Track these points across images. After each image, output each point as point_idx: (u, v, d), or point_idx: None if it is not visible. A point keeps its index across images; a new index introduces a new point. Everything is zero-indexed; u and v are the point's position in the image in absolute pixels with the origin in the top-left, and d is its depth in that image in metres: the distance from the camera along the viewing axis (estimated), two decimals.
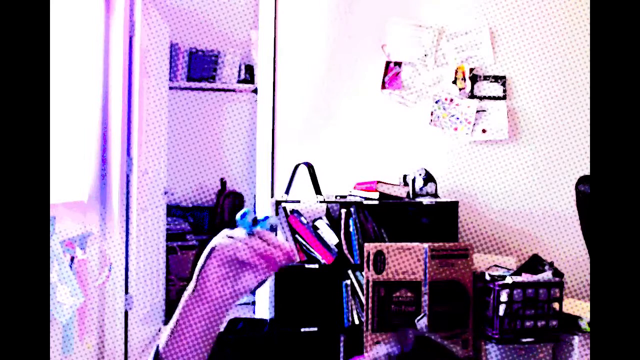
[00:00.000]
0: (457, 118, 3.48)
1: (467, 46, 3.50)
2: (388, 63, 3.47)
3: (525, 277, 2.92)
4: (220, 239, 0.80)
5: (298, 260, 0.73)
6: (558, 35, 3.55)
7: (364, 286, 2.91)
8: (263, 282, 0.83)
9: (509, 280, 2.87)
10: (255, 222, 0.81)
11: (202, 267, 0.80)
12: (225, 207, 4.72)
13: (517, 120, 3.55)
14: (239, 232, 0.80)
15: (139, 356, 3.40)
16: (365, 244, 2.93)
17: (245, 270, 0.81)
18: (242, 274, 0.81)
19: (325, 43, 3.47)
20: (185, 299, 0.81)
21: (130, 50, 3.23)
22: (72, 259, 2.43)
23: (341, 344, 3.05)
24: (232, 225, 0.84)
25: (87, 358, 2.85)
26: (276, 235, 0.79)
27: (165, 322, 3.89)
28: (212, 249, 0.79)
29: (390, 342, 1.14)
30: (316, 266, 3.06)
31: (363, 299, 2.99)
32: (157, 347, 0.81)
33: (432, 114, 3.48)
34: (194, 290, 0.81)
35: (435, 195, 3.22)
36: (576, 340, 2.88)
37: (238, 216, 0.81)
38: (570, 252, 3.51)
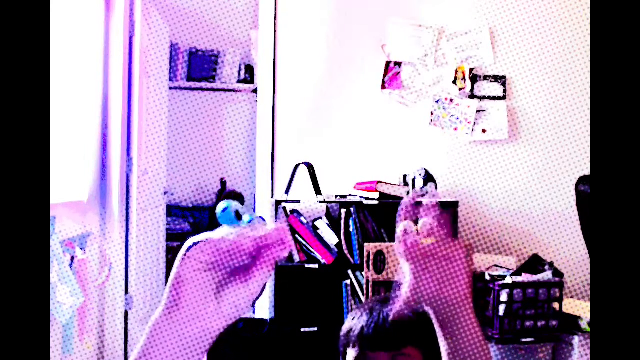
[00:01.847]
0: (457, 118, 3.48)
1: (467, 46, 3.50)
2: (388, 63, 3.47)
3: (525, 277, 2.92)
4: (198, 237, 0.62)
5: (290, 247, 0.60)
6: (558, 35, 3.55)
7: (364, 286, 2.91)
8: (256, 295, 0.63)
9: (509, 280, 2.87)
10: (240, 216, 0.64)
11: (175, 276, 0.61)
12: None
13: (517, 120, 3.55)
14: (221, 230, 0.63)
15: None
16: (365, 244, 2.92)
17: (234, 280, 0.62)
18: (229, 284, 0.61)
19: (325, 43, 3.47)
20: (153, 320, 0.62)
21: (130, 50, 3.23)
22: (72, 259, 2.43)
23: None
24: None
25: (87, 358, 2.85)
26: None
27: None
28: (187, 251, 0.61)
29: (364, 317, 1.15)
30: (316, 266, 3.06)
31: (363, 299, 2.99)
32: None
33: (432, 114, 3.48)
34: (164, 309, 0.61)
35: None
36: (576, 340, 2.88)
37: (218, 210, 0.64)
38: (570, 252, 3.51)
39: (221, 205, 0.65)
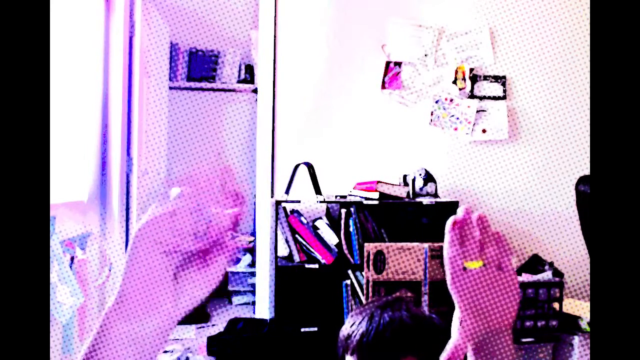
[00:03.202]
0: (457, 118, 3.48)
1: (467, 46, 3.50)
2: (388, 63, 3.47)
3: (525, 277, 2.92)
4: (146, 215, 0.54)
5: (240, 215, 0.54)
6: (558, 35, 3.55)
7: (364, 286, 2.91)
8: (216, 284, 0.56)
9: None
10: None
11: (128, 259, 0.54)
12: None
13: (517, 120, 3.55)
14: (172, 204, 0.56)
15: None
16: (365, 244, 2.92)
17: (191, 265, 0.56)
18: (186, 270, 0.55)
19: (325, 43, 3.47)
20: (101, 319, 0.55)
21: (130, 50, 3.23)
22: (72, 259, 2.43)
23: None
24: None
25: None
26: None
27: None
28: (138, 232, 0.54)
29: (363, 324, 1.15)
30: (316, 266, 3.06)
31: (363, 299, 2.99)
32: None
33: (432, 114, 3.48)
34: (116, 298, 0.54)
35: (435, 195, 3.21)
36: (576, 340, 2.88)
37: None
38: (570, 252, 3.51)
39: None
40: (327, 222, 3.19)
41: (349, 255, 3.10)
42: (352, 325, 1.17)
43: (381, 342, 1.12)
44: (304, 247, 3.10)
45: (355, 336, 1.14)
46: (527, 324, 2.85)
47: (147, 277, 0.53)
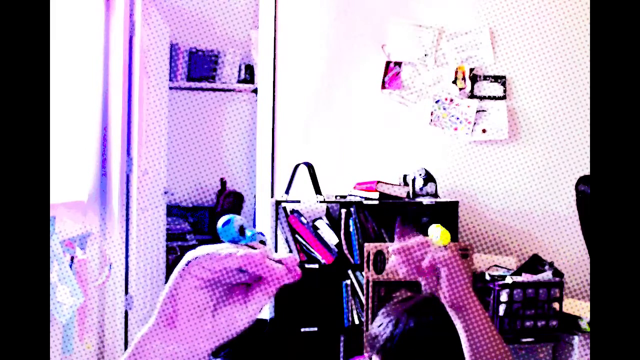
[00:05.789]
0: (457, 118, 3.48)
1: (467, 46, 3.50)
2: (388, 63, 3.47)
3: (525, 277, 2.92)
4: (198, 252, 0.58)
5: (298, 276, 0.64)
6: (558, 35, 3.55)
7: (364, 286, 2.91)
8: (254, 317, 0.60)
9: (509, 280, 2.87)
10: (243, 231, 0.60)
11: (171, 291, 0.57)
12: (225, 207, 4.73)
13: (517, 120, 3.55)
14: (223, 246, 0.59)
15: None
16: (365, 244, 2.92)
17: (232, 298, 0.59)
18: (226, 303, 0.58)
19: (325, 43, 3.47)
20: (142, 334, 0.58)
21: (130, 50, 3.23)
22: (72, 259, 2.43)
23: (341, 344, 3.06)
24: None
25: (87, 358, 2.85)
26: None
27: None
28: (186, 266, 0.57)
29: (389, 327, 1.18)
30: (316, 266, 3.06)
31: (363, 299, 2.99)
32: None
33: (432, 114, 3.48)
34: (156, 324, 0.58)
35: (435, 195, 3.21)
36: (576, 340, 2.88)
37: (219, 224, 0.60)
38: (570, 252, 3.51)
39: (223, 219, 0.60)
40: (327, 222, 3.19)
41: (349, 255, 3.10)
42: (380, 327, 1.21)
43: (404, 348, 1.16)
44: (304, 247, 3.10)
45: (380, 339, 1.18)
46: (527, 324, 2.85)
47: (187, 308, 0.57)
